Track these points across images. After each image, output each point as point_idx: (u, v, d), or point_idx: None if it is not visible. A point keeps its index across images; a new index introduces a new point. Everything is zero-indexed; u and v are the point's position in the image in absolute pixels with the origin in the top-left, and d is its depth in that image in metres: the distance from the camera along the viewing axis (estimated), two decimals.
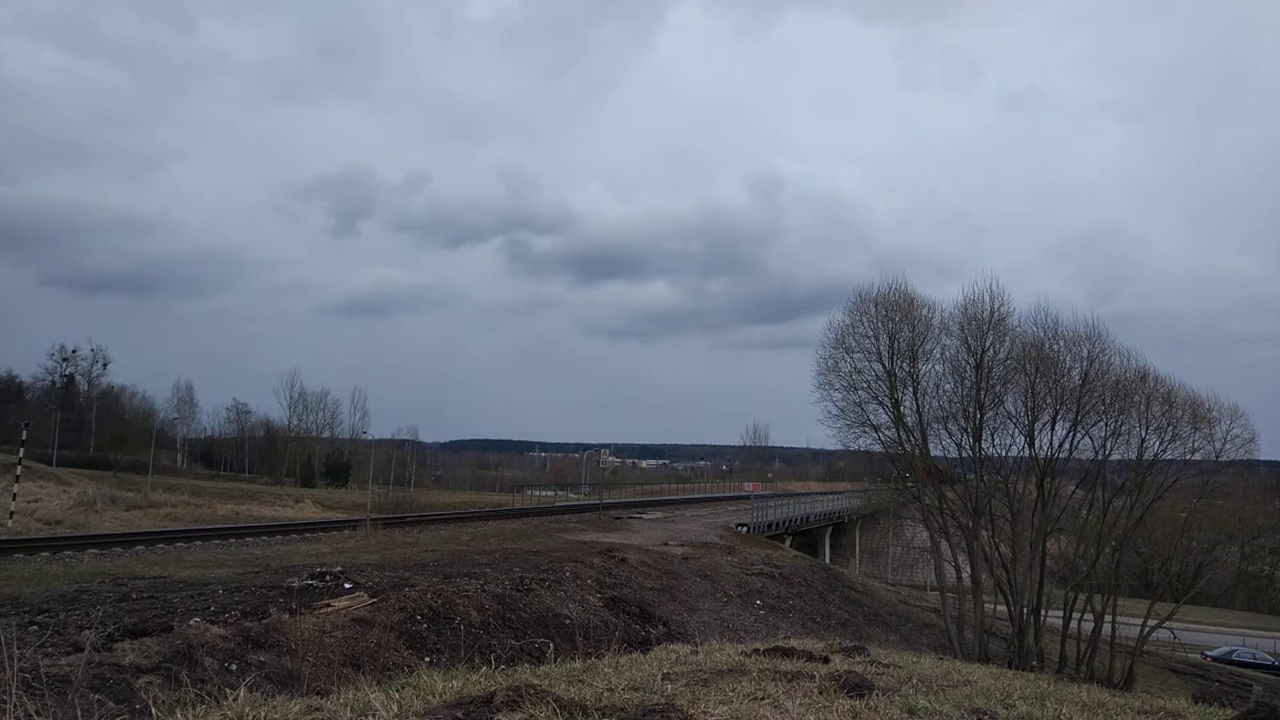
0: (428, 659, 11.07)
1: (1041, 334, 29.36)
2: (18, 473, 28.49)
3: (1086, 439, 29.10)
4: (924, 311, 29.83)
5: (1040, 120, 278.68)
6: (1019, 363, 28.84)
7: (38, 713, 4.41)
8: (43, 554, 17.85)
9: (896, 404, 29.35)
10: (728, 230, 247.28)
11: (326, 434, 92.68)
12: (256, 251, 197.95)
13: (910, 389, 29.49)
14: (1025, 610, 27.77)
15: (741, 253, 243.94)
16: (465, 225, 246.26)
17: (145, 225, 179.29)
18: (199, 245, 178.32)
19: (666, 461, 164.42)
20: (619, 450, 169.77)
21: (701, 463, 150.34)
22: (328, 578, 14.26)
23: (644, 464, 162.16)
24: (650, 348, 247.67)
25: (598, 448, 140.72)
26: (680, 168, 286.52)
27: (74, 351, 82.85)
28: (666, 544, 26.17)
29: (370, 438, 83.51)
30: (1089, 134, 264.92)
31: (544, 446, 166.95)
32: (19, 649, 6.33)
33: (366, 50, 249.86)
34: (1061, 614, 30.39)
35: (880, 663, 7.66)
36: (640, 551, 23.19)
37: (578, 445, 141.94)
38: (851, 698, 5.43)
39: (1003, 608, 29.13)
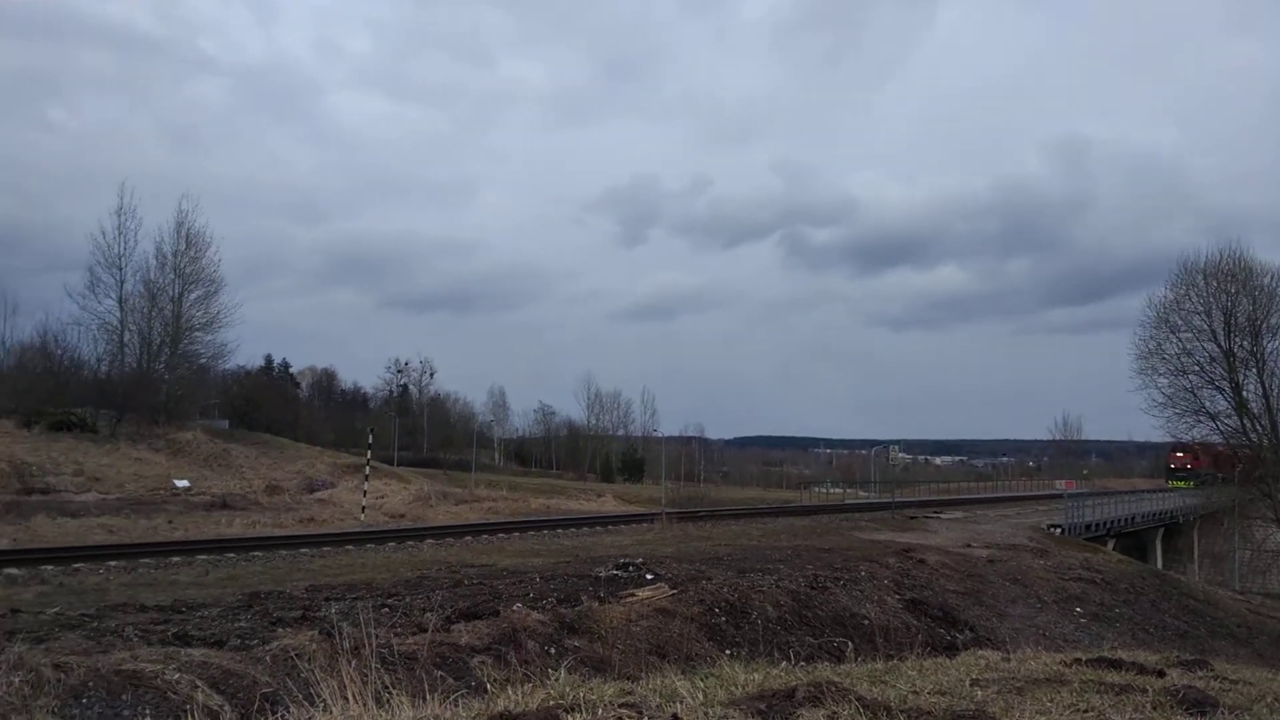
0: (727, 651, 11.26)
1: None
2: (366, 472, 32.83)
3: None
4: (1267, 280, 26.24)
5: None
6: None
7: (393, 684, 5.02)
8: (389, 544, 20.34)
9: (1237, 388, 26.02)
10: (1026, 205, 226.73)
11: (621, 432, 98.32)
12: (555, 264, 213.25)
13: (1254, 370, 26.08)
14: None
15: (1044, 228, 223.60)
16: (743, 223, 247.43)
17: (464, 248, 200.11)
18: (507, 262, 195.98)
19: (963, 458, 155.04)
20: (909, 446, 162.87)
21: (1004, 459, 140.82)
22: (630, 568, 15.02)
23: (938, 461, 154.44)
24: (939, 336, 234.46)
25: (886, 444, 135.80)
26: (967, 144, 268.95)
27: (406, 364, 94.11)
28: (969, 545, 24.77)
29: (660, 435, 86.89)
30: None
31: (828, 443, 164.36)
32: (374, 629, 7.27)
33: (647, 66, 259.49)
34: None
35: (1227, 678, 6.77)
36: (940, 553, 22.10)
37: (864, 441, 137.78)
38: (1191, 715, 4.92)
39: None
